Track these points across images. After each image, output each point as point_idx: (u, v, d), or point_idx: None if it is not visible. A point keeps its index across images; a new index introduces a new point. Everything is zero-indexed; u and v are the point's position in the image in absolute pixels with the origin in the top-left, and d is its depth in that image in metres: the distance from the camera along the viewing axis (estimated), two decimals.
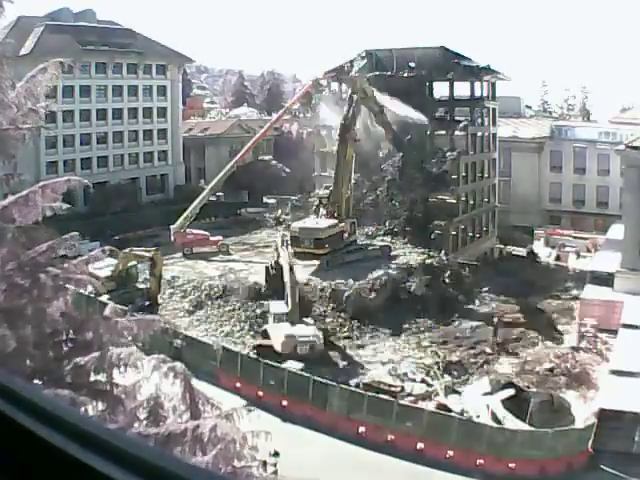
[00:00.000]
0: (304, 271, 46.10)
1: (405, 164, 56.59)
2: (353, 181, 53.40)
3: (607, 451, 26.54)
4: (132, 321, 13.05)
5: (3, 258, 11.88)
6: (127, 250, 46.22)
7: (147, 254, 45.12)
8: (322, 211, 52.50)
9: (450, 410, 31.47)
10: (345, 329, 41.86)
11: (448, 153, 57.56)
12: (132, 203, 68.47)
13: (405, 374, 36.21)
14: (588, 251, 59.97)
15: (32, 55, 56.33)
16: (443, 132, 60.43)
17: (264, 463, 20.94)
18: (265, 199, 74.84)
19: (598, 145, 69.26)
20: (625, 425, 26.87)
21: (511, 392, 32.94)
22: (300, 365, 36.15)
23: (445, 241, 54.48)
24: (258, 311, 41.84)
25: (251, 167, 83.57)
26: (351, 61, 66.29)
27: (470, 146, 59.95)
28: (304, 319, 39.17)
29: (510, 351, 39.98)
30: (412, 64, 62.67)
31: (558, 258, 61.06)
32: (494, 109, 65.36)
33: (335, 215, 51.22)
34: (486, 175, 64.16)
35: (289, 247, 45.06)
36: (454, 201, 57.35)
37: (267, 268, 44.57)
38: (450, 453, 28.62)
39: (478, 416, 31.36)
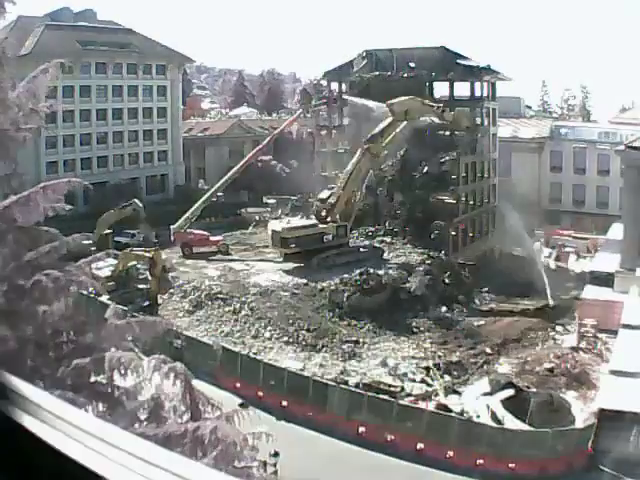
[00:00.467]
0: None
1: (405, 164, 56.58)
2: (363, 192, 53.19)
3: (607, 451, 26.53)
4: (133, 323, 13.07)
5: (4, 259, 11.89)
6: (127, 250, 46.21)
7: (147, 254, 45.07)
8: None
9: (450, 410, 31.48)
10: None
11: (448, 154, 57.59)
12: None
13: (405, 374, 36.22)
14: (588, 251, 59.94)
15: (32, 55, 56.32)
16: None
17: (264, 464, 20.93)
18: (265, 199, 74.80)
19: (598, 145, 69.26)
20: (625, 425, 26.86)
21: (511, 392, 32.93)
22: (300, 365, 36.24)
23: (445, 241, 54.46)
24: None
25: (251, 167, 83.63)
26: (351, 61, 66.33)
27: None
28: None
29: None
30: (412, 64, 62.70)
31: (558, 258, 61.04)
32: (494, 109, 65.36)
33: (323, 217, 50.96)
34: (486, 175, 64.17)
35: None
36: (454, 201, 57.33)
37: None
38: (450, 453, 28.62)
39: (478, 416, 31.37)
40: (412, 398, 33.55)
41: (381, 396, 32.19)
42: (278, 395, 32.49)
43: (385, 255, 51.34)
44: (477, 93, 62.66)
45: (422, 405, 32.48)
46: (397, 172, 57.51)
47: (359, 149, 52.35)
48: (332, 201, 51.38)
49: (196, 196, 65.00)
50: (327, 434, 29.98)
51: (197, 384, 13.03)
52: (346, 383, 33.89)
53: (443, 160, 56.76)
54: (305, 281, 46.00)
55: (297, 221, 51.83)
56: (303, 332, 40.59)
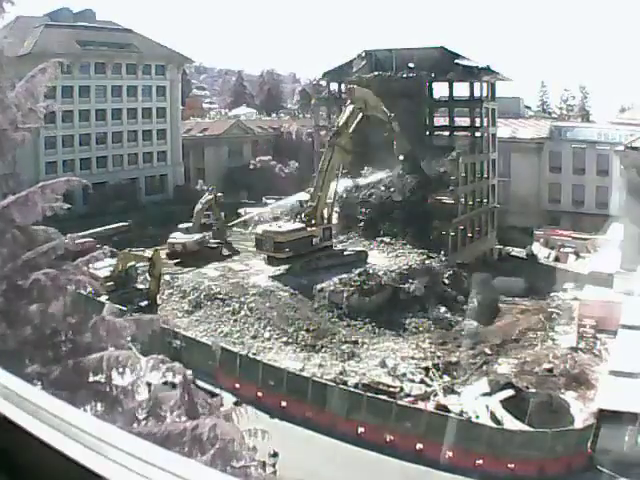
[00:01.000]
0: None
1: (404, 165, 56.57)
2: (342, 188, 52.76)
3: (606, 452, 26.53)
4: (131, 321, 13.07)
5: (3, 258, 11.88)
6: (126, 250, 46.20)
7: (146, 254, 45.12)
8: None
9: (449, 411, 31.47)
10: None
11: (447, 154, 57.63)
12: (131, 203, 68.46)
13: (404, 374, 36.24)
14: (587, 252, 59.96)
15: (31, 55, 56.34)
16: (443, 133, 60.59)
17: (263, 463, 20.92)
18: (264, 199, 74.82)
19: (597, 146, 69.30)
20: (624, 426, 26.86)
21: (510, 393, 32.95)
22: (299, 365, 36.26)
23: (444, 242, 54.46)
24: None
25: (250, 167, 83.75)
26: (350, 61, 66.35)
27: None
28: None
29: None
30: (411, 64, 62.75)
31: (557, 259, 61.08)
32: (493, 110, 65.41)
33: (308, 220, 50.55)
34: (485, 176, 64.22)
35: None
36: (453, 202, 57.34)
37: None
38: (449, 454, 28.62)
39: (477, 416, 31.37)
40: (411, 398, 33.56)
41: (380, 396, 32.18)
42: (277, 395, 32.49)
43: (381, 257, 51.09)
44: (476, 93, 62.71)
45: (421, 405, 32.48)
46: (397, 173, 57.50)
47: (326, 147, 52.36)
48: (313, 203, 51.10)
49: (195, 196, 65.03)
50: (326, 434, 29.98)
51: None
52: (345, 383, 33.89)
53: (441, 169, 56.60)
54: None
55: (288, 225, 51.31)
56: (302, 332, 40.62)
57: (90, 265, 14.22)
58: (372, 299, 44.44)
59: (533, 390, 33.77)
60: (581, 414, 31.16)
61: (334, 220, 53.00)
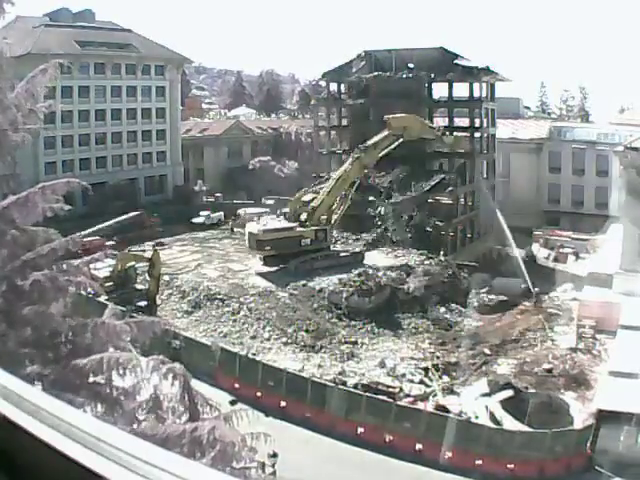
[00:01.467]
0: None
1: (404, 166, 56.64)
2: (349, 199, 52.73)
3: (605, 452, 26.53)
4: (131, 323, 13.06)
5: (3, 259, 11.88)
6: (125, 250, 46.23)
7: (145, 255, 45.17)
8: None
9: (449, 411, 31.47)
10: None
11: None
12: (131, 204, 68.36)
13: (403, 375, 36.23)
14: (587, 252, 59.93)
15: (31, 55, 56.25)
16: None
17: (262, 464, 20.91)
18: (264, 200, 74.82)
19: (597, 146, 69.29)
20: (623, 426, 26.86)
21: (510, 393, 32.94)
22: (299, 366, 36.24)
23: (444, 242, 54.45)
24: None
25: (250, 168, 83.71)
26: (350, 62, 66.36)
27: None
28: None
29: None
30: (411, 65, 62.81)
31: (556, 259, 61.05)
32: (493, 110, 65.44)
33: (303, 220, 50.58)
34: (485, 176, 64.21)
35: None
36: (452, 202, 57.35)
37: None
38: (449, 454, 28.61)
39: (477, 417, 31.37)
40: (411, 399, 33.55)
41: (380, 397, 32.18)
42: (277, 396, 32.48)
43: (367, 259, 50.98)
44: (476, 94, 62.75)
45: (421, 406, 32.48)
46: (397, 175, 57.55)
47: (350, 157, 52.21)
48: (314, 205, 51.05)
49: (195, 197, 65.40)
50: (326, 435, 29.98)
51: (196, 385, 13.02)
52: (345, 384, 33.89)
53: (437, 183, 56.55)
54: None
55: (274, 223, 51.38)
56: (302, 333, 40.61)
57: (91, 265, 14.22)
58: (371, 299, 44.42)
59: (532, 390, 33.76)
60: (580, 414, 31.15)
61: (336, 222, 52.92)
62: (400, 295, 45.56)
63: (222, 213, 68.70)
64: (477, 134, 62.77)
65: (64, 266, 12.68)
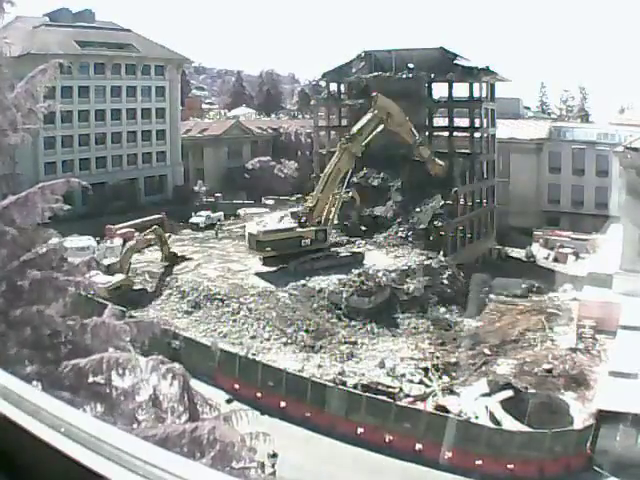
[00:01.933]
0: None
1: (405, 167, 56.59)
2: (344, 192, 52.74)
3: (605, 452, 26.55)
4: (131, 323, 13.06)
5: (2, 259, 11.87)
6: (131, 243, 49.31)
7: (151, 235, 49.99)
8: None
9: (448, 411, 31.46)
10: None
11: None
12: (131, 204, 68.43)
13: (403, 375, 36.23)
14: (587, 252, 59.94)
15: (31, 55, 56.28)
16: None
17: (262, 464, 20.91)
18: (263, 200, 74.91)
19: (597, 146, 69.29)
20: (623, 426, 26.87)
21: (509, 393, 32.94)
22: (299, 366, 36.25)
23: (444, 242, 54.42)
24: None
25: (249, 168, 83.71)
26: (350, 62, 66.32)
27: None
28: None
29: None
30: (411, 65, 62.76)
31: (556, 259, 61.05)
32: (493, 110, 65.39)
33: (303, 222, 50.63)
34: (485, 176, 64.20)
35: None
36: (452, 202, 57.27)
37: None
38: (448, 454, 28.61)
39: (477, 417, 31.36)
40: (410, 399, 33.54)
41: (379, 397, 32.17)
42: (277, 396, 32.47)
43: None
44: (476, 94, 62.67)
45: (420, 406, 32.47)
46: (397, 176, 57.54)
47: (338, 149, 52.21)
48: (310, 204, 51.08)
49: (194, 197, 65.46)
50: (326, 435, 29.98)
51: (195, 385, 13.01)
52: (344, 384, 33.89)
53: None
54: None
55: (274, 224, 51.39)
56: (301, 333, 40.61)
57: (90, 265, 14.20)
58: (371, 299, 44.41)
59: (532, 391, 33.75)
60: (580, 415, 31.15)
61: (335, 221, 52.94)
62: (400, 295, 45.55)
63: (222, 213, 68.66)
64: (477, 134, 62.71)
65: (64, 266, 12.67)
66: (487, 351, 39.79)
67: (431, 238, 53.89)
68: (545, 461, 28.39)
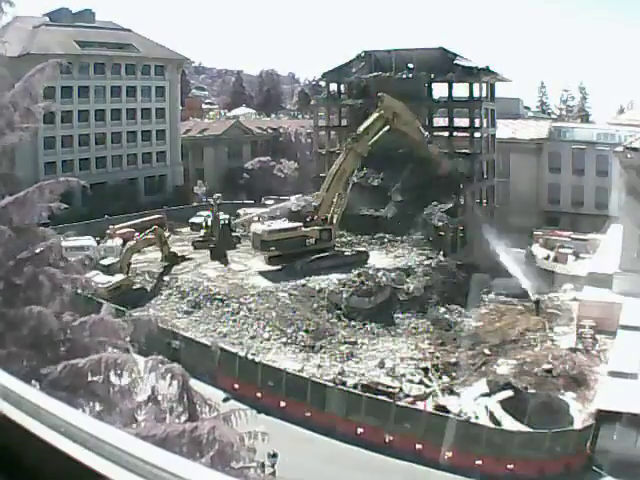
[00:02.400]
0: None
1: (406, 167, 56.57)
2: (348, 191, 52.67)
3: (605, 452, 26.55)
4: (128, 321, 13.06)
5: (1, 258, 11.86)
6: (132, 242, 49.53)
7: (151, 235, 50.18)
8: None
9: (448, 411, 31.47)
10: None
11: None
12: (131, 204, 68.41)
13: (403, 375, 36.23)
14: (587, 252, 59.91)
15: (30, 55, 56.26)
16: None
17: (262, 464, 20.90)
18: (263, 200, 74.85)
19: (597, 146, 69.26)
20: (623, 426, 26.87)
21: (509, 393, 32.95)
22: (298, 366, 36.25)
23: (444, 242, 54.42)
24: None
25: (249, 168, 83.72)
26: (350, 62, 66.35)
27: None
28: None
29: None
30: (411, 65, 62.82)
31: (556, 259, 61.02)
32: (493, 110, 65.42)
33: (308, 221, 50.67)
34: (485, 176, 64.22)
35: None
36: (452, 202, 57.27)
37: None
38: (448, 454, 28.61)
39: (477, 417, 31.37)
40: (410, 399, 33.54)
41: (379, 397, 32.17)
42: (277, 396, 32.48)
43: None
44: (476, 94, 62.71)
45: (420, 406, 32.47)
46: (397, 176, 57.50)
47: (344, 149, 52.22)
48: (315, 204, 51.08)
49: (194, 197, 65.44)
50: (326, 435, 29.98)
51: (195, 385, 13.01)
52: (344, 384, 33.89)
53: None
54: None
55: (279, 224, 51.46)
56: (301, 333, 40.62)
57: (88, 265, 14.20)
58: (371, 299, 44.42)
59: (532, 391, 33.75)
60: (580, 415, 31.17)
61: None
62: (400, 295, 45.56)
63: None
64: (477, 134, 62.72)
65: (61, 264, 12.66)
66: (487, 351, 39.78)
67: (431, 238, 53.90)
68: (545, 461, 28.38)
